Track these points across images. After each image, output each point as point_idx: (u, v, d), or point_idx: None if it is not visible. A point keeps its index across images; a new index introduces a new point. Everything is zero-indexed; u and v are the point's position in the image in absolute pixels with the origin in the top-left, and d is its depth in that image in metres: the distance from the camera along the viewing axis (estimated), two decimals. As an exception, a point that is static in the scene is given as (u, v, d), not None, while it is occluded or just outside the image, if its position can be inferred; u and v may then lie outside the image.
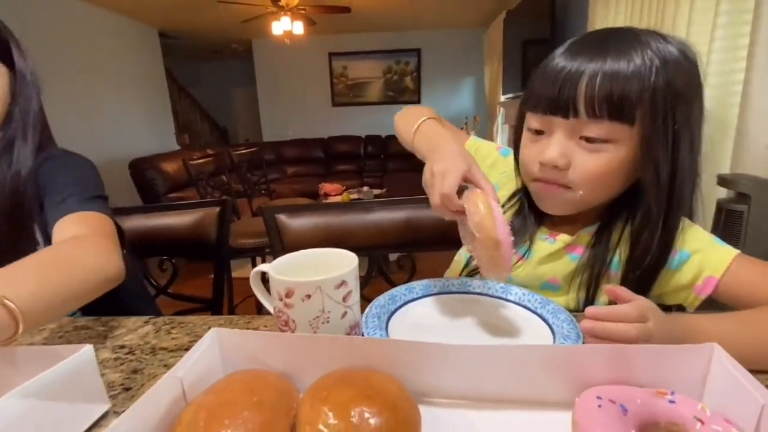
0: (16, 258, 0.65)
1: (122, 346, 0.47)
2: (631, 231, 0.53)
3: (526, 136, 0.54)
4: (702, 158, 0.51)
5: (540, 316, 0.47)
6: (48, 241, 0.65)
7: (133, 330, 0.50)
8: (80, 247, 0.48)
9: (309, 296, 0.38)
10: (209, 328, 0.38)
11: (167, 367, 0.42)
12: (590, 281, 0.54)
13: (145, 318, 0.53)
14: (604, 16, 2.00)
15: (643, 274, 0.51)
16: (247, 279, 0.46)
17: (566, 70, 0.47)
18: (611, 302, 0.52)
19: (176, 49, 5.41)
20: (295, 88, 5.74)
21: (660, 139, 0.46)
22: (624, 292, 0.39)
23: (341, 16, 4.02)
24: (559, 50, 0.50)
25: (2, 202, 0.62)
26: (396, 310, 0.50)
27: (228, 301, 1.06)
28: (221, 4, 3.65)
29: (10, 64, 0.63)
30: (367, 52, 5.55)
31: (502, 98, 4.35)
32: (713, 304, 0.51)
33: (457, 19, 4.97)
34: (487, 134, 4.80)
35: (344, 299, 0.40)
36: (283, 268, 0.42)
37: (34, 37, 0.64)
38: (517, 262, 0.58)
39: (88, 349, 0.34)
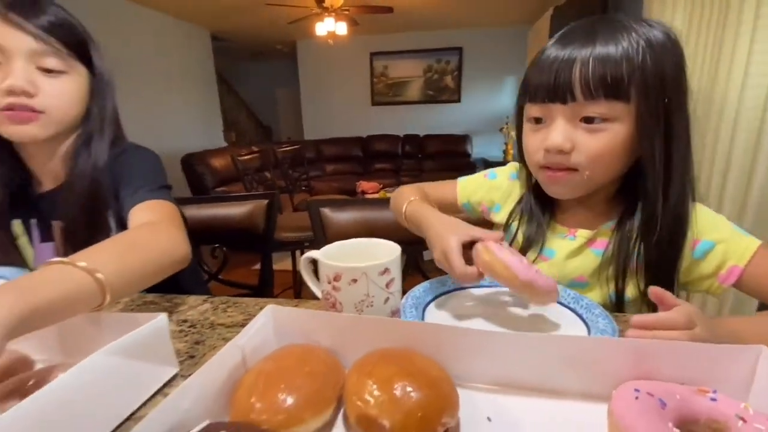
0: (92, 240, 0.73)
1: (185, 320, 0.52)
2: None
3: (527, 127, 0.56)
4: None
5: (574, 311, 0.47)
6: (120, 225, 0.72)
7: (194, 307, 0.56)
8: (155, 232, 0.54)
9: (355, 280, 0.41)
10: (260, 308, 0.42)
11: (225, 340, 0.47)
12: (617, 274, 0.54)
13: (203, 297, 0.59)
14: (660, 13, 1.90)
15: (664, 259, 0.52)
16: (287, 271, 0.50)
17: (559, 59, 0.49)
18: (638, 295, 0.52)
19: (225, 51, 5.67)
20: (336, 87, 5.86)
21: (653, 114, 0.48)
22: (669, 296, 0.39)
23: (383, 15, 4.05)
24: (551, 42, 0.52)
25: (81, 190, 0.69)
26: (430, 301, 0.52)
27: (269, 290, 1.12)
28: (269, 6, 3.79)
29: (89, 65, 0.70)
30: (408, 51, 5.56)
31: (546, 98, 4.22)
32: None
33: (501, 17, 4.87)
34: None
35: (387, 285, 0.43)
36: (331, 255, 0.45)
37: (97, 39, 0.73)
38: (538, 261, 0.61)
39: (162, 317, 0.39)
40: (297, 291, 2.15)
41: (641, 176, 0.52)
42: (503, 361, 0.36)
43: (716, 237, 0.53)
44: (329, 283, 0.43)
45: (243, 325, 0.50)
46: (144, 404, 0.37)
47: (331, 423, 0.33)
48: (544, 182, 0.57)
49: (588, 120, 0.49)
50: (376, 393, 0.31)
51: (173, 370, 0.41)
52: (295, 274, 2.22)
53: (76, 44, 0.66)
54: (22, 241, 0.71)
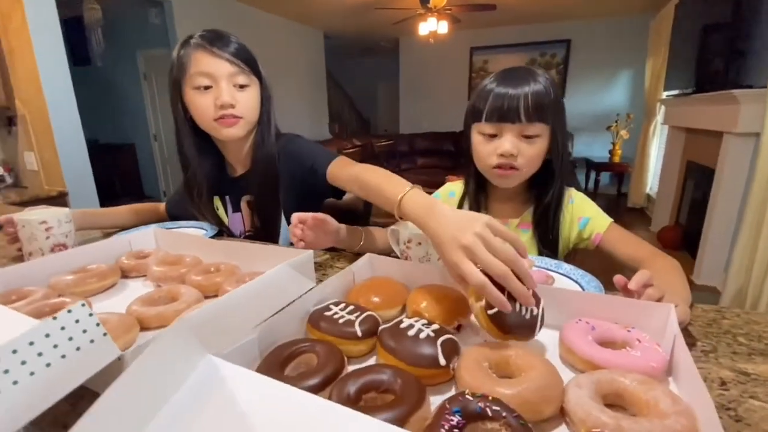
0: (268, 209, 1.00)
1: (316, 263, 0.82)
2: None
3: (479, 139, 0.82)
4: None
5: (578, 283, 0.66)
6: (288, 197, 0.97)
7: (321, 256, 0.85)
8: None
9: (420, 243, 0.66)
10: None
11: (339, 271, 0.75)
12: (539, 243, 0.86)
13: (324, 251, 0.88)
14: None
15: (554, 223, 0.84)
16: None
17: (509, 94, 0.75)
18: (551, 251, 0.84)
19: (334, 48, 6.22)
20: (435, 82, 6.04)
21: (558, 130, 0.78)
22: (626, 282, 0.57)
23: (486, 11, 4.12)
24: (490, 80, 0.79)
25: (262, 173, 0.96)
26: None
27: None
28: (377, 9, 4.12)
29: (260, 78, 0.94)
30: (510, 45, 5.49)
31: (664, 95, 3.90)
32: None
33: (616, 7, 4.56)
34: (641, 134, 4.34)
35: (440, 249, 0.66)
36: (408, 227, 0.70)
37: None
38: None
39: (310, 252, 0.68)
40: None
41: (548, 173, 0.83)
42: (506, 299, 0.58)
43: (589, 214, 0.84)
44: (404, 244, 0.68)
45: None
46: (299, 297, 0.66)
47: (398, 316, 0.59)
48: (495, 178, 0.83)
49: (527, 137, 0.77)
50: (423, 302, 0.55)
51: (312, 284, 0.70)
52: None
53: (252, 63, 0.91)
54: (221, 212, 1.05)
